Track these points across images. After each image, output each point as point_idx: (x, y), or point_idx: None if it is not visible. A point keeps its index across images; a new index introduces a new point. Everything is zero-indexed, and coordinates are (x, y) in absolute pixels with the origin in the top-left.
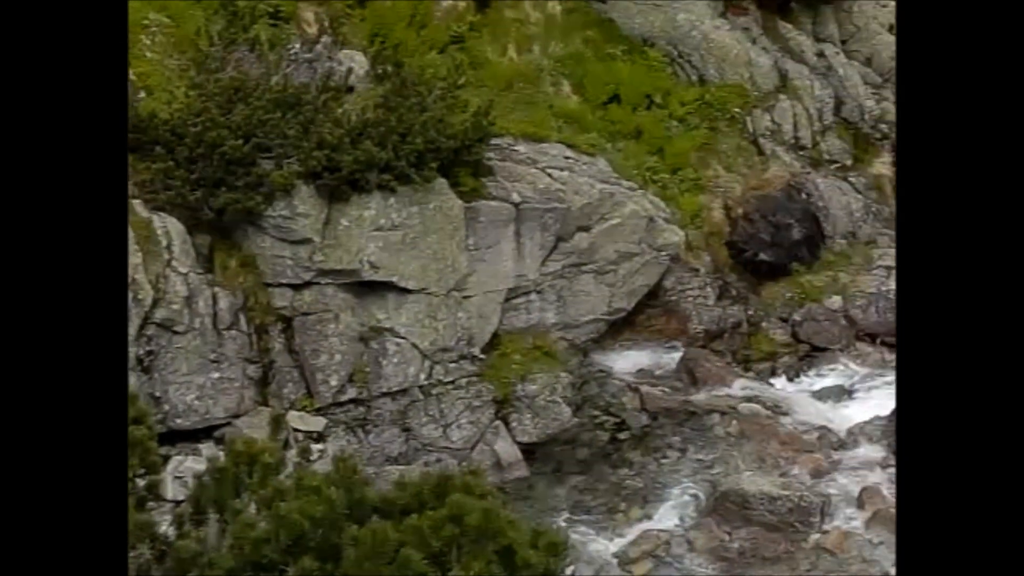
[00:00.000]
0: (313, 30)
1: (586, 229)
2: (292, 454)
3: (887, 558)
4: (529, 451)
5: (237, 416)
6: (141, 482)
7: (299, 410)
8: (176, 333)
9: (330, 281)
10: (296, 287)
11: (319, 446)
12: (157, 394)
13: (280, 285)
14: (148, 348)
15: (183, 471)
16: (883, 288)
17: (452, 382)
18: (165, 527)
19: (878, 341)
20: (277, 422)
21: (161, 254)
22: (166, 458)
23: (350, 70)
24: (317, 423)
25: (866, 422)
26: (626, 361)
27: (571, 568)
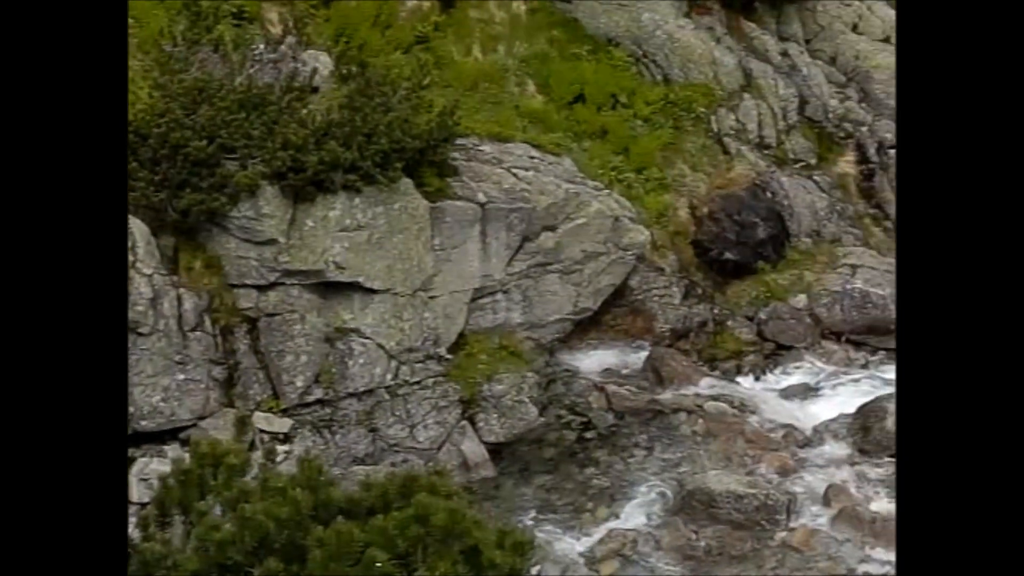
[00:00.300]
0: (277, 30)
1: (552, 229)
2: (258, 455)
3: (853, 555)
4: (496, 451)
5: (202, 418)
6: None
7: (265, 411)
8: (141, 335)
9: (295, 282)
10: (261, 288)
11: (285, 447)
12: None
13: (245, 286)
14: None
15: (148, 473)
16: (848, 286)
17: (418, 382)
18: (130, 529)
19: (843, 339)
20: (242, 423)
21: None
22: (131, 460)
23: (314, 70)
24: (283, 424)
25: (831, 420)
26: (592, 360)
27: (537, 568)
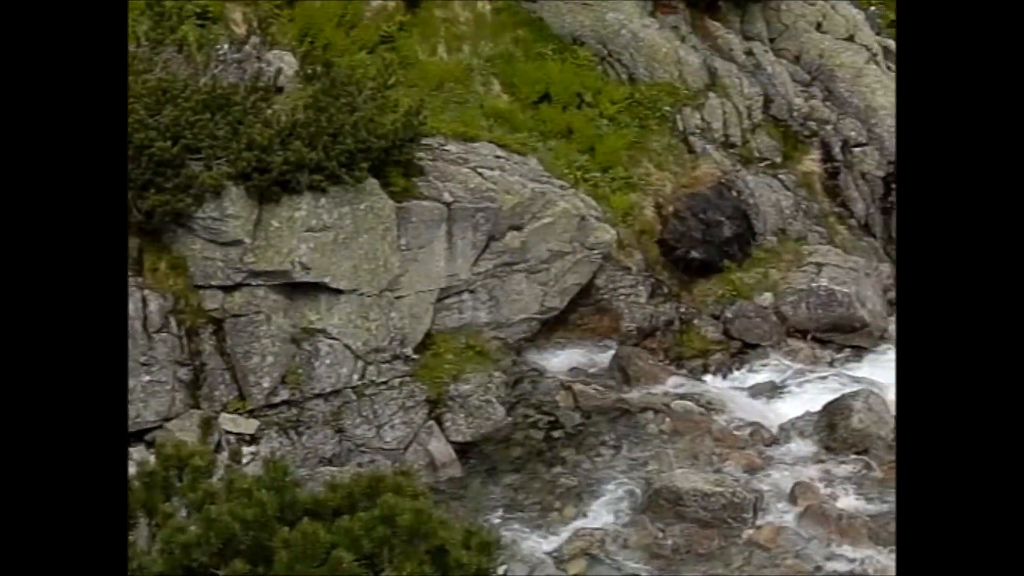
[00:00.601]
0: (241, 30)
1: (518, 228)
2: (224, 457)
3: (819, 552)
4: (463, 450)
5: (168, 419)
6: None
7: (231, 412)
8: None
9: (261, 282)
10: (227, 289)
11: (252, 448)
12: None
13: (211, 287)
14: None
15: None
16: (813, 284)
17: (385, 382)
18: None
19: (809, 337)
20: (208, 425)
21: None
22: None
23: (279, 70)
24: (249, 425)
25: (798, 418)
26: (559, 360)
27: (504, 568)
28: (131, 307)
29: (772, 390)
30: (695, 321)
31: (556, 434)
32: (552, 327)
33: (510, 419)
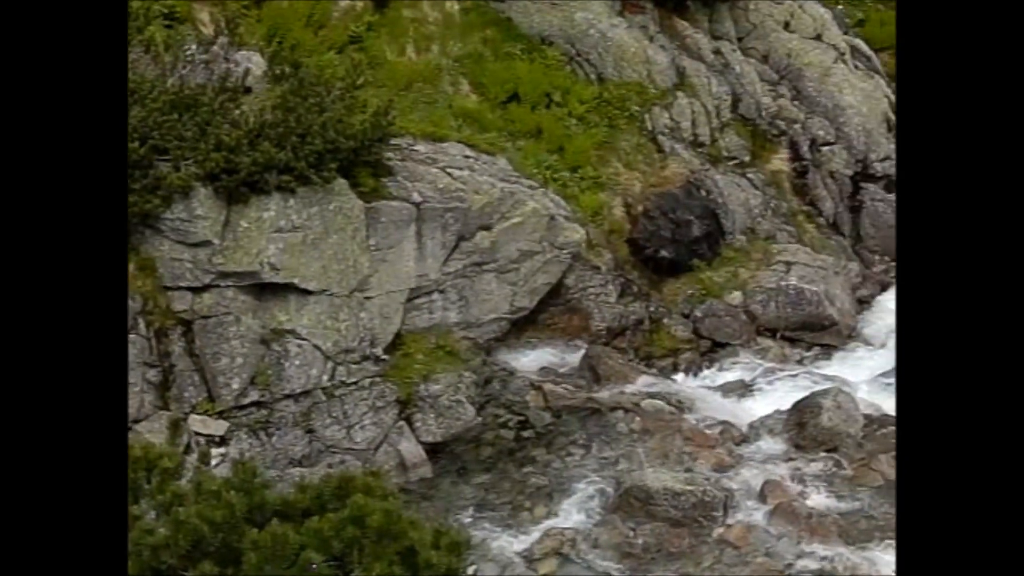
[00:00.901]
0: (209, 31)
1: (487, 228)
2: (193, 458)
3: (789, 550)
4: (433, 451)
5: (137, 421)
6: None
7: (200, 414)
8: None
9: (230, 283)
10: (196, 290)
11: (221, 450)
12: None
13: (179, 288)
14: None
15: None
16: (783, 283)
17: (355, 383)
18: None
19: (778, 335)
20: (176, 426)
21: None
22: None
23: (247, 71)
24: (219, 427)
25: (767, 416)
26: (529, 359)
27: (473, 568)
28: None
29: (742, 389)
30: (665, 320)
31: (526, 434)
32: (522, 327)
33: (480, 419)
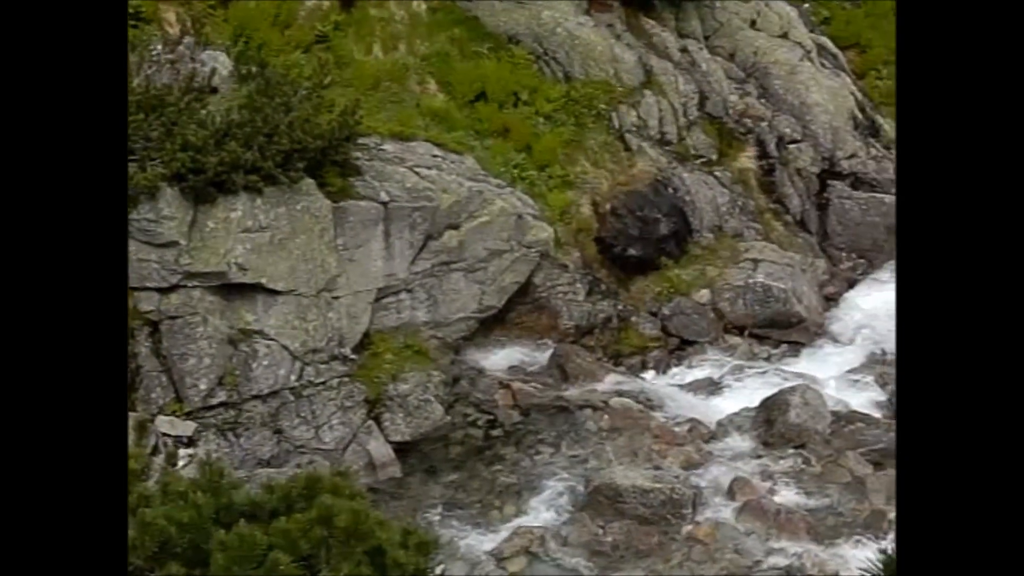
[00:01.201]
0: (175, 31)
1: (455, 227)
2: (160, 460)
3: (758, 547)
4: (402, 450)
5: None
6: None
7: (168, 415)
8: None
9: (197, 284)
10: (163, 290)
11: (189, 451)
12: None
13: (146, 289)
14: None
15: None
16: (750, 280)
17: (323, 383)
18: None
19: (746, 333)
20: (143, 427)
21: None
22: None
23: (213, 71)
24: (186, 427)
25: (735, 413)
26: (498, 358)
27: (441, 567)
28: None
29: (710, 386)
30: (633, 318)
31: (495, 432)
32: (490, 326)
33: (449, 418)
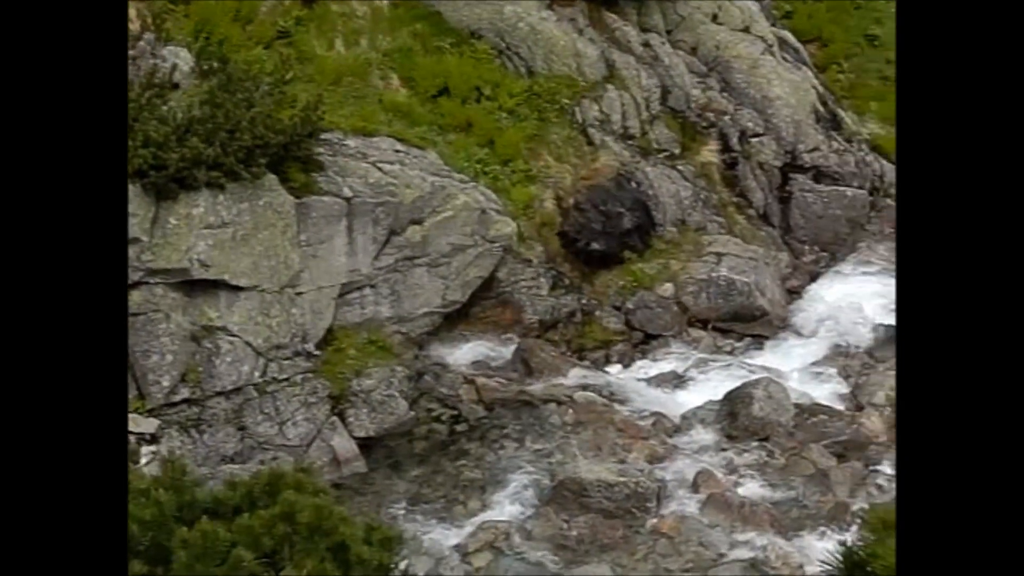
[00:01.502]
0: (135, 27)
1: (418, 222)
2: None
3: (722, 540)
4: (366, 446)
5: None
6: None
7: (131, 412)
8: None
9: (160, 280)
10: None
11: (152, 448)
12: None
13: None
14: None
15: None
16: (713, 274)
17: (287, 379)
18: None
19: (709, 327)
20: None
21: None
22: None
23: (174, 66)
24: (149, 425)
25: (699, 407)
26: (462, 353)
27: (405, 562)
28: None
29: (674, 380)
30: (597, 312)
31: (459, 427)
32: (454, 321)
33: (413, 413)
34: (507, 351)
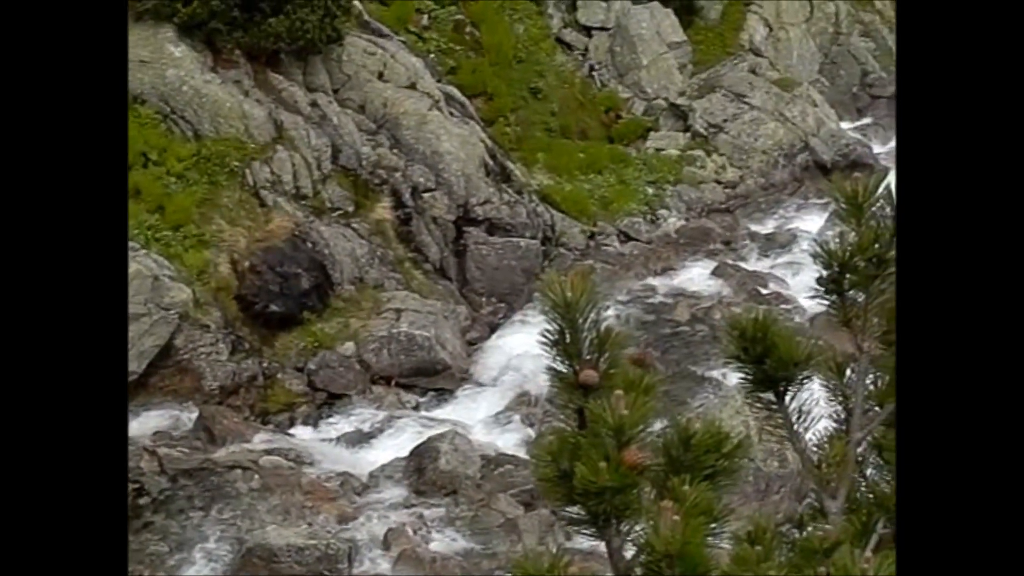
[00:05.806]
0: None
1: None
2: None
3: None
4: None
5: None
6: None
7: None
8: None
9: None
10: None
11: None
12: None
13: None
14: None
15: None
16: (393, 330)
17: None
18: None
19: (393, 383)
20: None
21: None
22: None
23: None
24: None
25: (387, 464)
26: (142, 424)
27: None
28: None
29: (360, 438)
30: (279, 375)
31: (142, 501)
32: (132, 392)
33: None
34: (188, 419)
